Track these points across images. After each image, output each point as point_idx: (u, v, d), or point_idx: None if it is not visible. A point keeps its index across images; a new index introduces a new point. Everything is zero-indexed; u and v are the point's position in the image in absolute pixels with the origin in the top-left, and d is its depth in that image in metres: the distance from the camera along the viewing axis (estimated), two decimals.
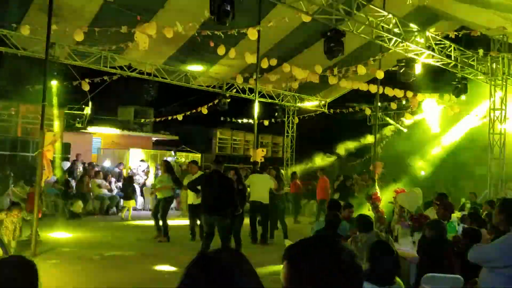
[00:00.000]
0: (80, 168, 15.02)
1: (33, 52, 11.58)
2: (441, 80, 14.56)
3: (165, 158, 16.82)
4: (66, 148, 16.29)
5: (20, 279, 2.11)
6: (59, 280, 6.46)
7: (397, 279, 3.29)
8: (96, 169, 14.91)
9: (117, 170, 15.86)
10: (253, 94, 13.07)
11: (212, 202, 7.41)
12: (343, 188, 13.97)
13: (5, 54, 11.67)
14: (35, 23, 10.15)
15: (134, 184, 14.34)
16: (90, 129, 17.91)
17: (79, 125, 16.98)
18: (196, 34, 10.48)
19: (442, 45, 11.60)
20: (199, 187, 7.85)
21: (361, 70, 12.02)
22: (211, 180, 7.63)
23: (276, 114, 18.29)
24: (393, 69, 12.62)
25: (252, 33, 9.96)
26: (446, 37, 11.58)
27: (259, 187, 9.70)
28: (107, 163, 16.90)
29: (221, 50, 10.99)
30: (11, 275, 2.10)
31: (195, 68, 14.53)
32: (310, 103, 18.51)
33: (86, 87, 13.32)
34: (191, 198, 9.70)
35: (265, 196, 9.69)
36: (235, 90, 15.99)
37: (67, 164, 15.29)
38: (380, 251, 3.29)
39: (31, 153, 15.06)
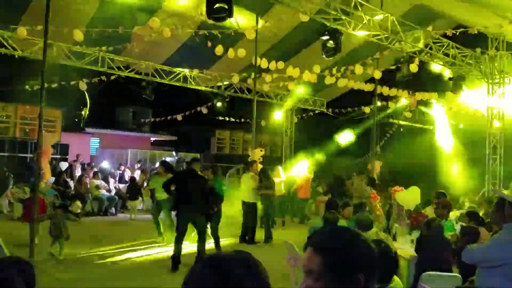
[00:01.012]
0: (78, 169, 15.00)
1: (31, 53, 11.57)
2: (439, 78, 14.57)
3: (163, 159, 16.83)
4: (64, 148, 16.28)
5: (18, 280, 2.11)
6: (57, 282, 6.45)
7: (395, 278, 3.28)
8: (95, 169, 14.90)
9: (118, 172, 15.72)
10: (251, 94, 13.09)
11: (185, 200, 7.47)
12: (335, 188, 13.92)
13: (3, 55, 11.64)
14: (32, 24, 10.14)
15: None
16: (88, 129, 17.90)
17: (78, 126, 16.99)
18: (194, 34, 10.49)
19: (439, 44, 11.62)
20: (172, 188, 7.86)
21: (359, 69, 12.03)
22: (183, 178, 7.71)
23: (274, 113, 18.28)
24: (391, 67, 12.64)
25: (249, 33, 9.97)
26: (444, 36, 11.59)
27: (242, 186, 10.03)
28: (105, 164, 16.88)
29: (219, 50, 10.99)
30: (9, 276, 2.10)
31: (193, 68, 14.53)
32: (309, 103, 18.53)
33: (83, 87, 13.30)
34: None
35: (247, 195, 9.89)
36: (233, 90, 15.99)
37: (65, 165, 15.27)
38: (379, 250, 3.28)
39: (29, 154, 15.06)
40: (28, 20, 10.46)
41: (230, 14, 7.65)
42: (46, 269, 6.89)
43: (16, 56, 11.70)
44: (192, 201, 7.40)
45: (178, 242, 7.38)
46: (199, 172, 8.01)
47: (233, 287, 1.19)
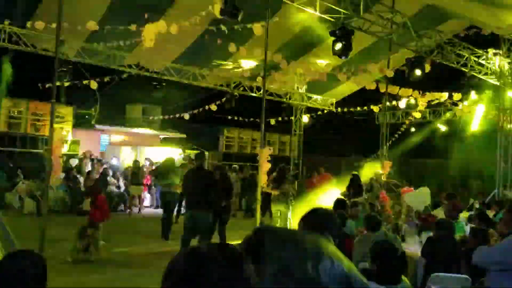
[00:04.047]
0: (88, 165, 15.10)
1: (43, 50, 11.64)
2: (450, 79, 14.47)
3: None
4: (75, 145, 16.40)
5: (30, 272, 2.14)
6: (66, 276, 6.51)
7: (404, 278, 3.27)
8: (105, 166, 14.98)
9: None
10: (260, 92, 13.07)
11: (193, 197, 7.48)
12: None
13: (15, 51, 11.74)
14: (44, 20, 10.20)
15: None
16: (99, 126, 18.01)
17: (88, 123, 17.11)
18: (204, 33, 10.49)
19: (451, 44, 11.52)
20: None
21: (373, 68, 11.95)
22: (192, 176, 7.72)
23: (284, 112, 18.25)
24: (402, 68, 12.55)
25: (257, 29, 9.90)
26: (456, 36, 11.50)
27: None
28: (114, 161, 16.99)
29: (229, 49, 10.99)
30: (21, 268, 2.14)
31: (203, 66, 14.53)
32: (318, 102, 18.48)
33: (94, 85, 13.38)
34: None
35: None
36: (242, 88, 15.99)
37: (75, 161, 15.39)
38: (385, 250, 3.28)
39: (40, 150, 15.18)
40: (40, 16, 10.52)
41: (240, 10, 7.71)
42: (55, 263, 6.95)
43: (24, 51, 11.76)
44: (195, 198, 7.39)
45: (185, 241, 7.33)
46: (205, 167, 8.03)
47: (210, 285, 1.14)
